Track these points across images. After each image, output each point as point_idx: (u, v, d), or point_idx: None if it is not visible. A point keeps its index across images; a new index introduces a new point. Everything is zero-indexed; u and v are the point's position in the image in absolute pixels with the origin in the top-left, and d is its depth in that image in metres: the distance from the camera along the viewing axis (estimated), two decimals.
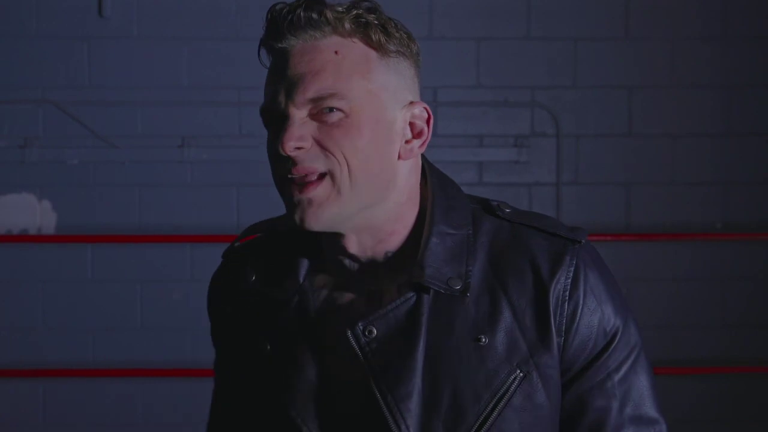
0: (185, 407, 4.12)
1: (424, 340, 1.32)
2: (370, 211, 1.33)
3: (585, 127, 4.20)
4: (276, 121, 1.31)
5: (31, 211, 4.13)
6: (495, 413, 1.31)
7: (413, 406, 1.30)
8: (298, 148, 1.28)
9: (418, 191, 1.39)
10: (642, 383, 1.38)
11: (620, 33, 4.18)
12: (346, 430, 1.33)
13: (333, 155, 1.28)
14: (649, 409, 1.38)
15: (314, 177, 1.29)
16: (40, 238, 4.12)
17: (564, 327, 1.34)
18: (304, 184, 1.29)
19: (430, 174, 1.41)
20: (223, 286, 1.51)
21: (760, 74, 4.18)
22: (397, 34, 1.33)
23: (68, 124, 4.10)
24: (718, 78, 4.18)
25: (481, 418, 1.31)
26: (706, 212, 4.19)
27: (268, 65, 1.34)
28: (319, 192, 1.29)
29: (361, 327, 1.32)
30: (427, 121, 1.36)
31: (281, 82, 1.30)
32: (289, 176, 1.29)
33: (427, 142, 1.36)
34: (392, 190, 1.35)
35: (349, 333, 1.32)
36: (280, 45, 1.31)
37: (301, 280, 1.38)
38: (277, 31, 1.30)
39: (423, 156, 1.42)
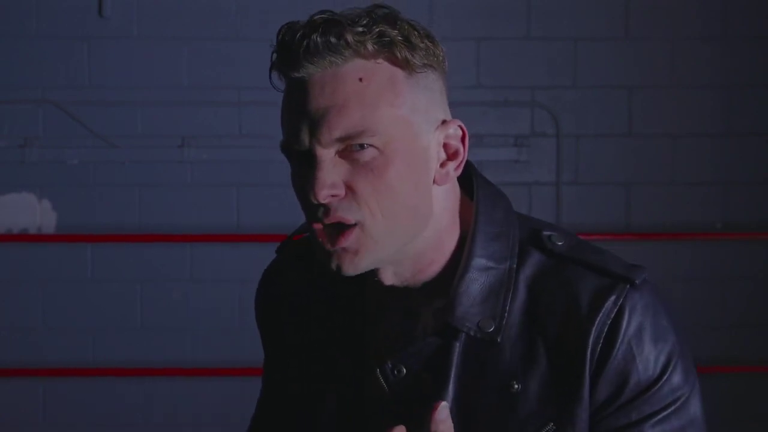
0: (185, 407, 4.12)
1: (453, 384, 1.24)
2: (408, 245, 1.24)
3: (585, 127, 4.19)
4: (300, 157, 1.20)
5: (31, 211, 4.12)
6: None
7: None
8: (332, 195, 1.18)
9: (458, 213, 1.28)
10: None
11: (620, 33, 4.18)
12: None
13: (367, 205, 1.18)
14: None
15: (345, 227, 1.19)
16: (40, 238, 4.11)
17: (594, 372, 1.22)
18: (336, 233, 1.19)
19: (477, 191, 1.29)
20: (286, 280, 1.41)
21: (760, 74, 4.18)
22: (422, 45, 1.21)
23: (68, 124, 4.10)
24: (718, 78, 4.18)
25: None
26: (706, 212, 4.19)
27: (281, 89, 1.22)
28: (352, 242, 1.19)
29: (390, 366, 1.26)
30: (462, 140, 1.25)
31: (302, 118, 1.18)
32: (321, 223, 1.20)
33: (463, 163, 1.25)
34: (429, 219, 1.24)
35: (378, 371, 1.26)
36: (296, 74, 1.18)
37: (348, 291, 1.32)
38: (292, 58, 1.17)
39: (473, 166, 1.31)
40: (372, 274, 1.27)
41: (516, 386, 1.22)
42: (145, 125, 4.13)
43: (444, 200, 1.26)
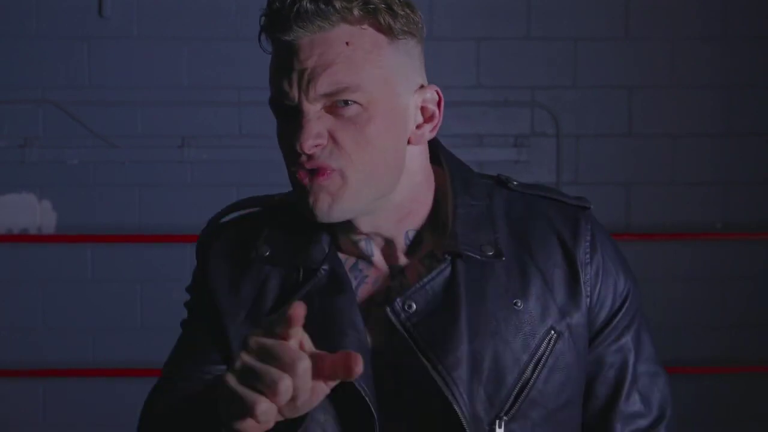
0: None
1: (464, 307, 1.33)
2: (383, 198, 1.33)
3: (585, 127, 4.19)
4: (287, 111, 1.30)
5: (31, 211, 4.12)
6: (534, 375, 1.33)
7: (463, 373, 1.30)
8: (316, 145, 1.27)
9: (431, 172, 1.41)
10: (647, 338, 1.44)
11: (620, 33, 4.18)
12: (399, 401, 1.32)
13: (347, 153, 1.28)
14: (654, 363, 1.45)
15: (327, 171, 1.29)
16: (40, 238, 4.11)
17: (589, 289, 1.38)
18: (315, 171, 1.28)
19: (443, 153, 1.43)
20: (220, 252, 1.45)
21: (760, 74, 4.18)
22: (402, 12, 1.30)
23: (68, 124, 4.10)
24: (718, 78, 4.18)
25: (521, 381, 1.33)
26: (706, 212, 4.19)
27: (269, 51, 1.31)
28: (330, 183, 1.29)
29: (400, 303, 1.32)
30: (438, 104, 1.36)
31: (292, 76, 1.27)
32: (304, 169, 1.29)
33: (438, 125, 1.37)
34: (401, 175, 1.35)
35: (388, 309, 1.31)
36: (286, 38, 1.27)
37: (327, 249, 1.37)
38: (283, 22, 1.26)
39: (435, 138, 1.42)
40: (340, 248, 1.37)
41: (519, 304, 1.35)
42: (145, 125, 4.13)
43: (418, 159, 1.37)
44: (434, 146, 1.43)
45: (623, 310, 1.41)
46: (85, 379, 4.11)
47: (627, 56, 4.18)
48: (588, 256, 1.39)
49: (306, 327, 1.25)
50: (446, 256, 1.34)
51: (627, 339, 1.42)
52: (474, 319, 1.33)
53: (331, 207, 1.29)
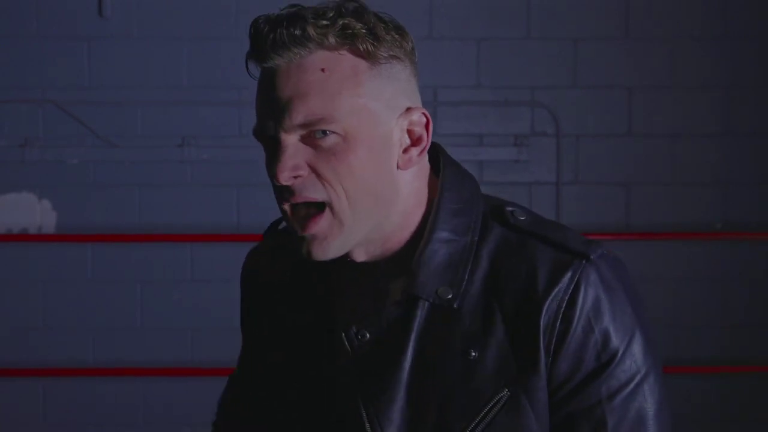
0: (185, 407, 4.12)
1: (412, 349, 1.28)
2: (375, 229, 1.30)
3: (585, 127, 4.19)
4: (269, 142, 1.28)
5: (31, 211, 4.12)
6: (479, 431, 1.25)
7: (395, 416, 1.27)
8: (295, 177, 1.24)
9: (426, 193, 1.33)
10: (643, 412, 1.26)
11: (620, 33, 4.18)
12: (327, 428, 1.32)
13: (331, 185, 1.24)
14: None
15: (314, 210, 1.25)
16: (40, 238, 4.11)
17: (553, 347, 1.25)
18: (306, 218, 1.26)
19: (443, 170, 1.34)
20: (263, 267, 1.48)
21: (760, 74, 4.18)
22: (387, 37, 1.26)
23: (68, 124, 4.10)
24: (718, 78, 4.18)
25: None
26: (706, 212, 4.19)
27: (256, 77, 1.31)
28: (322, 226, 1.25)
29: (354, 330, 1.30)
30: (426, 126, 1.30)
31: (269, 105, 1.27)
32: (289, 204, 1.26)
33: (426, 148, 1.31)
34: (396, 203, 1.30)
35: (343, 335, 1.31)
36: (265, 65, 1.27)
37: (316, 281, 1.38)
38: (261, 50, 1.26)
39: (441, 148, 1.37)
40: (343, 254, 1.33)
41: (473, 354, 1.26)
42: (145, 125, 4.13)
43: (411, 183, 1.31)
44: (438, 161, 1.36)
45: (602, 377, 1.25)
46: (85, 379, 4.11)
47: (627, 56, 4.18)
48: (561, 310, 1.24)
49: (282, 348, 1.35)
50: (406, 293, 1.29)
51: (603, 410, 1.24)
52: (422, 363, 1.27)
53: (324, 248, 1.27)
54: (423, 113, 1.30)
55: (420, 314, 1.29)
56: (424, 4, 4.13)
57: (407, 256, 1.31)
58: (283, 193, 1.26)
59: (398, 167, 1.29)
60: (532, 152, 4.18)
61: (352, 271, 1.34)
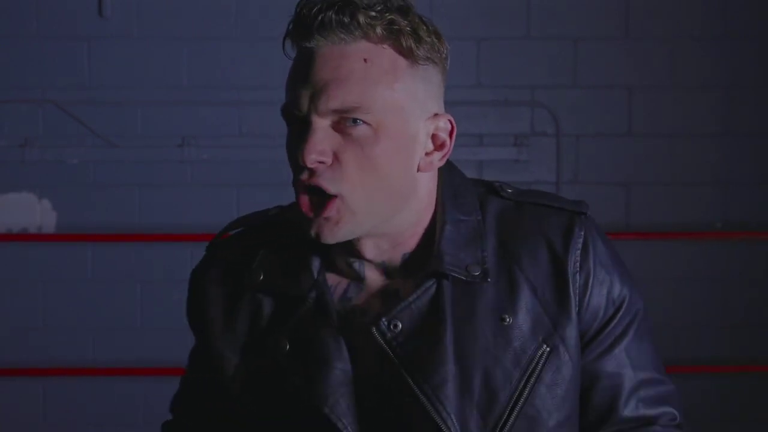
0: None
1: (450, 326, 1.31)
2: (388, 221, 1.32)
3: (585, 127, 4.19)
4: (297, 122, 1.28)
5: (31, 211, 4.12)
6: (527, 391, 1.32)
7: (450, 392, 1.29)
8: (319, 162, 1.26)
9: (435, 193, 1.38)
10: (648, 347, 1.41)
11: (620, 33, 4.18)
12: (383, 425, 1.32)
13: (349, 178, 1.26)
14: (656, 371, 1.42)
15: (327, 197, 1.27)
16: (40, 238, 4.11)
17: (578, 298, 1.35)
18: (318, 203, 1.27)
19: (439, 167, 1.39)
20: (217, 277, 1.44)
21: (760, 74, 4.18)
22: (428, 39, 1.29)
23: (68, 124, 4.10)
24: (718, 78, 4.18)
25: (515, 397, 1.31)
26: (706, 212, 4.19)
27: (292, 57, 1.30)
28: (332, 212, 1.27)
29: (385, 322, 1.31)
30: (450, 134, 1.35)
31: (305, 85, 1.26)
32: (305, 185, 1.27)
33: (448, 154, 1.35)
34: (411, 201, 1.33)
35: (374, 330, 1.31)
36: (306, 44, 1.26)
37: (316, 275, 1.36)
38: (306, 29, 1.26)
39: None
40: (335, 269, 1.36)
41: (508, 319, 1.33)
42: (145, 125, 4.13)
43: (427, 185, 1.36)
44: None
45: (617, 318, 1.38)
46: (85, 379, 4.11)
47: (627, 56, 4.17)
48: (578, 264, 1.35)
49: (291, 357, 1.31)
50: (432, 275, 1.32)
51: (621, 347, 1.38)
52: (461, 337, 1.31)
53: (334, 232, 1.28)
54: (449, 120, 1.35)
55: (448, 294, 1.32)
56: (424, 4, 4.13)
57: (420, 253, 1.35)
58: (302, 171, 1.27)
59: (419, 169, 1.33)
60: (532, 152, 4.18)
61: (355, 274, 1.36)
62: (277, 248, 1.40)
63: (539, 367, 1.32)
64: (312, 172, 1.26)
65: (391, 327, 1.31)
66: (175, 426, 1.58)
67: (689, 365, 4.11)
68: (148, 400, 4.14)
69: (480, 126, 4.16)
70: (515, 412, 1.31)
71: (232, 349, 1.40)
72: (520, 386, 1.31)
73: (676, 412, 1.44)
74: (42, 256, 4.12)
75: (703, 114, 4.19)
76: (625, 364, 1.38)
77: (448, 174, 1.39)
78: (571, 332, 1.34)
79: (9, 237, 4.12)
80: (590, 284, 1.35)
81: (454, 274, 1.32)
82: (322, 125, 1.26)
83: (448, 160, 1.39)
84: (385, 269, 1.35)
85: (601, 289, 1.36)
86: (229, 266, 1.43)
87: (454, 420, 1.29)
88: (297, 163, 1.27)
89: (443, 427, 1.28)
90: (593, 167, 4.19)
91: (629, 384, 1.38)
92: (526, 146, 4.17)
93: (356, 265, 1.35)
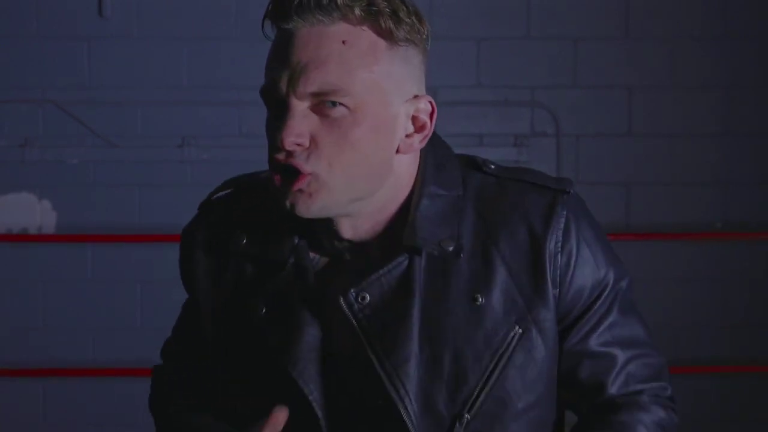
0: None
1: (419, 303, 1.30)
2: (364, 201, 1.31)
3: (585, 127, 4.19)
4: (276, 104, 1.28)
5: (31, 211, 4.12)
6: (497, 372, 1.31)
7: (411, 370, 1.29)
8: (297, 144, 1.25)
9: (416, 171, 1.37)
10: (632, 321, 1.40)
11: (620, 33, 4.18)
12: (346, 396, 1.32)
13: (326, 157, 1.26)
14: (644, 346, 1.41)
15: (299, 174, 1.27)
16: (40, 238, 4.11)
17: (559, 278, 1.33)
18: (290, 180, 1.27)
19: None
20: (204, 240, 1.47)
21: (760, 74, 4.18)
22: (408, 20, 1.28)
23: (68, 124, 4.10)
24: (718, 78, 4.18)
25: (484, 378, 1.31)
26: (706, 212, 4.19)
27: (270, 38, 1.30)
28: (305, 185, 1.27)
29: (353, 294, 1.31)
30: (430, 115, 1.33)
31: (284, 67, 1.25)
32: (281, 165, 1.27)
33: (428, 136, 1.34)
34: (390, 180, 1.32)
35: (341, 300, 1.30)
36: (285, 26, 1.26)
37: (297, 241, 1.36)
38: (284, 10, 1.25)
39: None
40: (315, 246, 1.35)
41: (480, 299, 1.31)
42: (145, 125, 4.13)
43: (408, 166, 1.34)
44: None
45: (602, 297, 1.37)
46: (85, 379, 4.11)
47: (627, 56, 4.18)
48: (559, 245, 1.33)
49: (266, 320, 1.32)
50: (404, 250, 1.31)
51: (607, 325, 1.36)
52: (431, 315, 1.30)
53: (309, 205, 1.27)
54: (429, 101, 1.33)
55: (419, 268, 1.31)
56: (424, 4, 4.13)
57: (397, 226, 1.33)
58: (280, 152, 1.26)
59: (398, 151, 1.32)
60: (532, 152, 4.18)
61: (336, 251, 1.36)
62: (263, 212, 1.40)
63: (510, 348, 1.31)
64: (289, 153, 1.26)
65: (359, 299, 1.30)
66: (165, 370, 1.63)
67: (689, 365, 4.11)
68: (147, 401, 4.13)
69: (480, 126, 4.16)
70: (484, 393, 1.30)
71: (214, 311, 1.43)
72: (491, 367, 1.30)
73: (667, 384, 1.46)
74: (42, 256, 4.12)
75: (703, 114, 4.19)
76: (611, 342, 1.37)
77: (432, 148, 1.37)
78: (546, 315, 1.32)
79: (9, 237, 4.12)
80: (573, 264, 1.34)
81: (426, 249, 1.30)
82: (300, 107, 1.25)
83: (435, 134, 1.37)
84: (364, 247, 1.35)
85: (584, 269, 1.35)
86: (216, 231, 1.45)
87: (412, 399, 1.28)
88: (275, 145, 1.26)
89: (399, 405, 1.28)
90: (593, 167, 4.19)
91: (617, 361, 1.37)
92: (526, 146, 4.17)
93: (336, 243, 1.35)
